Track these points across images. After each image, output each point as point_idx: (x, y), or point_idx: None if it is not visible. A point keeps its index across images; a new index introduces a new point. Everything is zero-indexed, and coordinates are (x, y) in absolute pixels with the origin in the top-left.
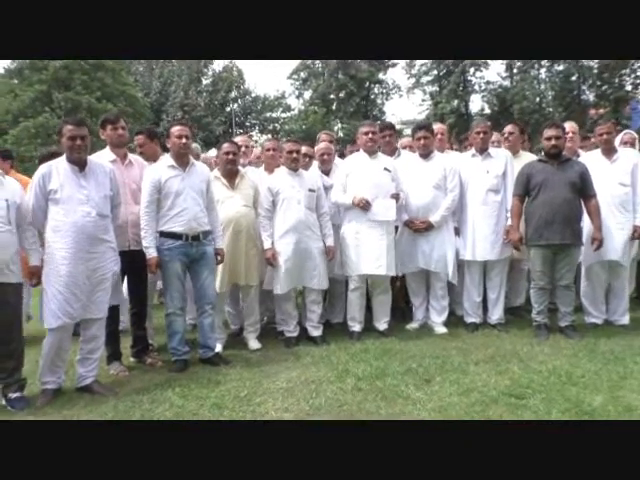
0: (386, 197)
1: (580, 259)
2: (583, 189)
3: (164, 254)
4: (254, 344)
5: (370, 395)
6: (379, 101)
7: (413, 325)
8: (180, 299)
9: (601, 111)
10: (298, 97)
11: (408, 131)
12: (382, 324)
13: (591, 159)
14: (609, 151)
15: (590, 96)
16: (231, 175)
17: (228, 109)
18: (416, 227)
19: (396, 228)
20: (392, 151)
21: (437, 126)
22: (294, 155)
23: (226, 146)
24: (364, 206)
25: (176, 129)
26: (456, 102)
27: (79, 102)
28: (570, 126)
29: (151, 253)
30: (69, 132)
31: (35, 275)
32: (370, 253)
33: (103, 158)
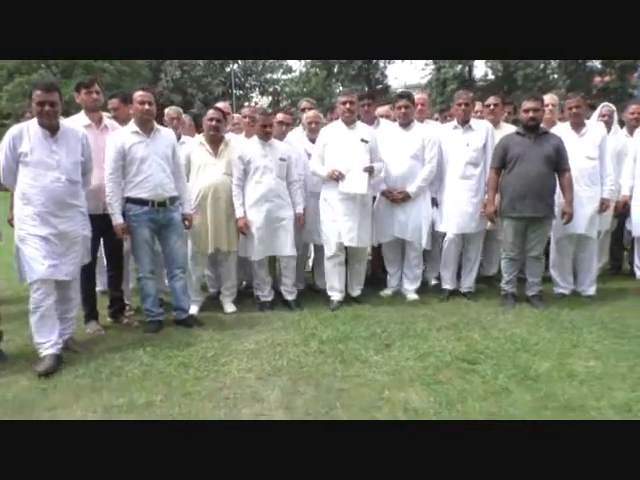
0: (359, 169)
1: (551, 232)
2: (558, 163)
3: (131, 220)
4: (229, 307)
5: (330, 358)
6: (381, 64)
7: (386, 292)
8: (150, 263)
9: (606, 79)
10: None
11: (415, 91)
12: (355, 290)
13: (560, 133)
14: (578, 125)
15: (596, 63)
16: (215, 142)
17: (228, 69)
18: (393, 197)
19: (375, 198)
20: (371, 120)
21: (418, 96)
22: (267, 129)
23: (211, 112)
24: (337, 178)
25: (138, 94)
26: (459, 67)
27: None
28: (550, 98)
29: (117, 219)
30: (38, 97)
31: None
32: (343, 224)
33: (77, 122)
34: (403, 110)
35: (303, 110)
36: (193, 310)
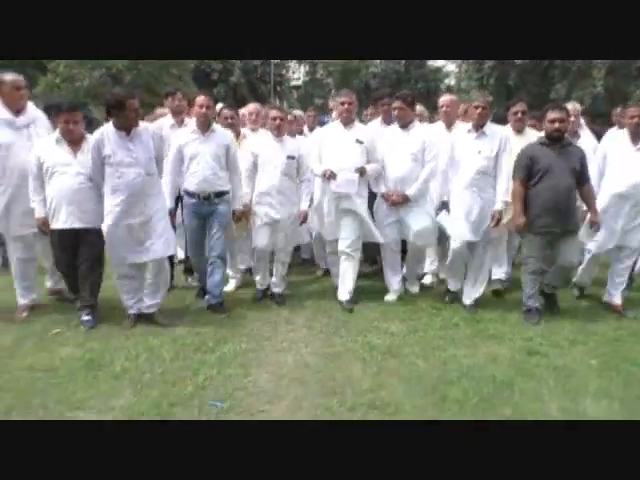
0: (351, 170)
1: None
2: (581, 175)
3: (185, 208)
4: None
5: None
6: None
7: (390, 297)
8: (195, 247)
9: None
10: None
11: (452, 67)
12: (343, 293)
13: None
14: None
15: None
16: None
17: None
18: (392, 201)
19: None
20: (392, 120)
21: (443, 99)
22: (277, 122)
23: (200, 99)
24: (329, 177)
25: (200, 98)
26: None
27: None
28: (573, 107)
29: (170, 204)
30: (132, 105)
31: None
32: (335, 224)
33: (165, 124)
34: (397, 112)
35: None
36: (231, 286)
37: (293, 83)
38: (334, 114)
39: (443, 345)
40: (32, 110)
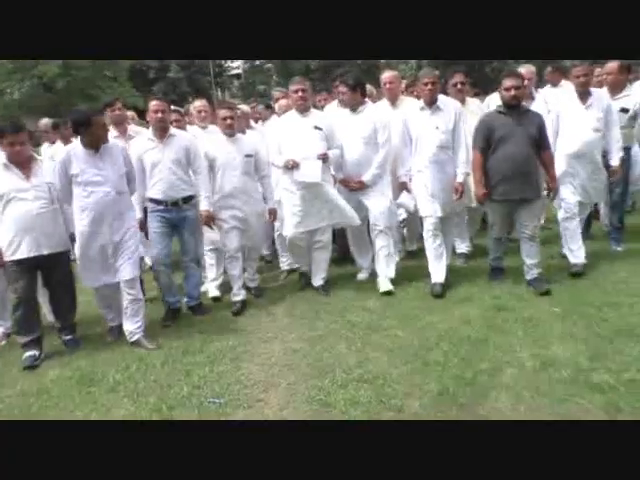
0: (313, 157)
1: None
2: (540, 142)
3: (149, 216)
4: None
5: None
6: None
7: (362, 276)
8: (162, 255)
9: None
10: None
11: None
12: (317, 279)
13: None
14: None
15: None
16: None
17: None
18: (350, 187)
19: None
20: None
21: (385, 75)
22: (228, 122)
23: (154, 104)
24: (292, 167)
25: (153, 104)
26: None
27: None
28: (527, 71)
29: (137, 214)
30: (100, 121)
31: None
32: (305, 215)
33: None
34: (342, 97)
35: (277, 100)
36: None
37: (233, 72)
38: (277, 104)
39: (419, 314)
40: None
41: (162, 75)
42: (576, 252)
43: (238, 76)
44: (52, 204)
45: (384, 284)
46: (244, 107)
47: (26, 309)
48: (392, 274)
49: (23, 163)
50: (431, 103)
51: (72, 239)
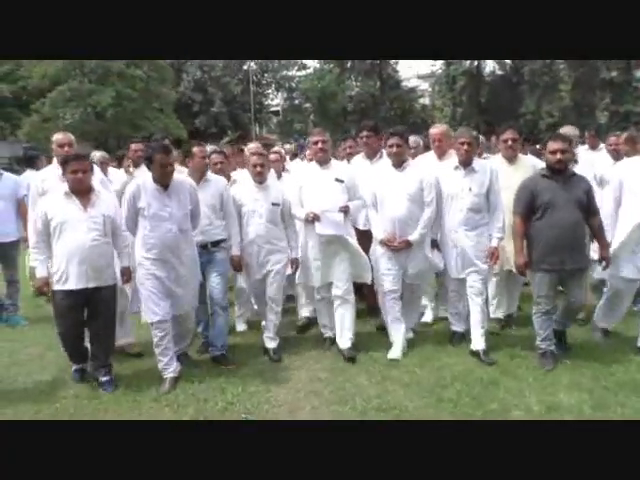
0: (335, 210)
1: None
2: (588, 208)
3: None
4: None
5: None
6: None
7: (396, 354)
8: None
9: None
10: None
11: (425, 85)
12: (344, 340)
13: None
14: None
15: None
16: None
17: (245, 67)
18: (394, 247)
19: (366, 233)
20: (373, 153)
21: (434, 130)
22: (258, 169)
23: (159, 157)
24: (313, 220)
25: (198, 150)
26: (468, 62)
27: (109, 68)
28: (573, 133)
29: None
30: (161, 159)
31: (126, 274)
32: (325, 267)
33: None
34: (394, 149)
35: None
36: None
37: (272, 109)
38: (308, 152)
39: (437, 356)
40: None
41: (205, 109)
42: (609, 320)
43: (277, 113)
44: (105, 237)
45: (395, 353)
46: (282, 148)
47: (71, 345)
48: (411, 335)
49: (83, 192)
50: (466, 164)
51: (123, 273)
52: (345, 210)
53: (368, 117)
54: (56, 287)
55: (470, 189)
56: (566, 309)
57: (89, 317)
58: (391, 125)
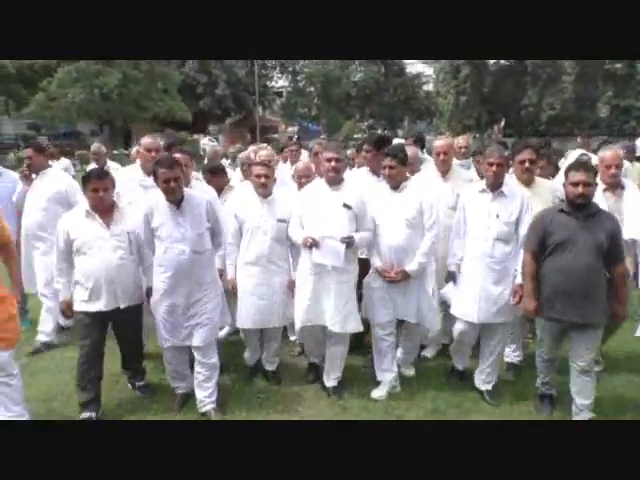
0: (337, 239)
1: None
2: (610, 253)
3: None
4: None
5: None
6: None
7: (380, 393)
8: None
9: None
10: None
11: (430, 71)
12: (330, 380)
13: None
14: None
15: None
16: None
17: None
18: (390, 278)
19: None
20: (379, 168)
21: (439, 143)
22: (262, 180)
23: (161, 173)
24: (311, 246)
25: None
26: None
27: None
28: (614, 154)
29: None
30: (163, 175)
31: (151, 294)
32: (323, 304)
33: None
34: (388, 171)
35: (315, 154)
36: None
37: (276, 90)
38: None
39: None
40: None
41: (210, 90)
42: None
43: (280, 94)
44: (131, 254)
45: (379, 393)
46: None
47: (89, 367)
48: (412, 373)
49: (105, 210)
50: (495, 187)
51: (148, 294)
52: (349, 241)
53: (372, 103)
54: (84, 308)
55: (498, 215)
56: (572, 374)
57: (116, 334)
58: (395, 111)
